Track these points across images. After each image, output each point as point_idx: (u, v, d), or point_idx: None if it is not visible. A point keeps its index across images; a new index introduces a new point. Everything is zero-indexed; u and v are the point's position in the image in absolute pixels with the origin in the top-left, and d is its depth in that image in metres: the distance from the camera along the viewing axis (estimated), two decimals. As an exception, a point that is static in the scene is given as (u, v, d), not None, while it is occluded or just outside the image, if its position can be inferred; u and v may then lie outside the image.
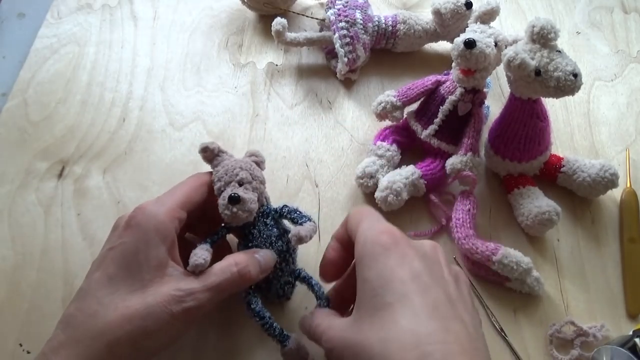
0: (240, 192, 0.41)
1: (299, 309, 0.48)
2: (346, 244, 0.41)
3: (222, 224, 0.44)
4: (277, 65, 0.66)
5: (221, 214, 0.42)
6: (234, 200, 0.41)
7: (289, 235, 0.42)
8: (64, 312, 0.38)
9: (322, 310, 0.42)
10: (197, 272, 0.39)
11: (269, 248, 0.44)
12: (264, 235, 0.44)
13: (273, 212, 0.45)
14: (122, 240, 0.39)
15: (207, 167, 0.45)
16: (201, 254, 0.40)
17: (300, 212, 0.45)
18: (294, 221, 0.45)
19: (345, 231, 0.41)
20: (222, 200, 0.41)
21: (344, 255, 0.42)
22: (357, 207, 0.43)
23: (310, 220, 0.44)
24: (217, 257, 0.42)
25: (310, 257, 0.50)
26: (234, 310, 0.47)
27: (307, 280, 0.46)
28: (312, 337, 0.39)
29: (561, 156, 0.56)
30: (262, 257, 0.42)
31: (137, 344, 0.36)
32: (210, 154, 0.44)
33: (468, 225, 0.51)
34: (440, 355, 0.31)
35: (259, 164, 0.45)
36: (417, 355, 0.31)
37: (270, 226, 0.44)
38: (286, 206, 0.45)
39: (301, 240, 0.42)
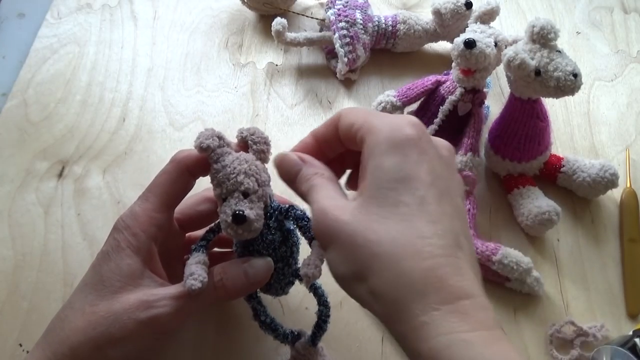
0: (246, 208, 0.36)
1: (300, 309, 0.48)
2: (326, 145, 0.38)
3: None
4: (277, 65, 0.65)
5: (223, 230, 0.38)
6: (239, 219, 0.36)
7: (300, 273, 0.37)
8: None
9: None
10: (195, 294, 0.36)
11: (271, 254, 0.40)
12: (267, 240, 0.39)
13: (277, 214, 0.40)
14: (103, 248, 0.39)
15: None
16: (198, 273, 0.36)
17: (309, 219, 0.39)
18: (302, 230, 0.40)
19: (330, 131, 0.37)
20: (225, 217, 0.37)
21: (315, 156, 0.38)
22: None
23: None
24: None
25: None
26: (232, 310, 0.47)
27: (312, 287, 0.42)
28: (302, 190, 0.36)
29: (561, 156, 0.56)
30: (251, 269, 0.39)
31: (102, 351, 0.35)
32: (213, 153, 0.38)
33: (468, 225, 0.51)
34: (452, 270, 0.30)
35: (264, 155, 0.40)
36: (431, 265, 0.29)
37: (274, 229, 0.40)
38: (293, 208, 0.40)
39: (314, 279, 0.36)
